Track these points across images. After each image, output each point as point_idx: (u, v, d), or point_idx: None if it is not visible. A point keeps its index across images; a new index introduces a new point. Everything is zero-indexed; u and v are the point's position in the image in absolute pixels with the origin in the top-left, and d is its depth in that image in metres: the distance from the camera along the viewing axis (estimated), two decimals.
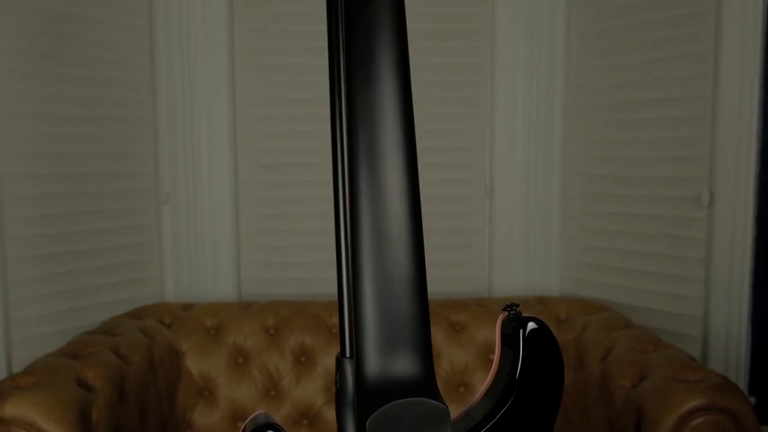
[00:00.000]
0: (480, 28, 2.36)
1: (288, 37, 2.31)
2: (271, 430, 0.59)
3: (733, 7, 1.93)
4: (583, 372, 1.94)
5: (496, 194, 2.40)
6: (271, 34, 2.32)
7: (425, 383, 0.58)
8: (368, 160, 0.58)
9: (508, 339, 0.66)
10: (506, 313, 0.67)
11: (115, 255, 2.20)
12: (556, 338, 0.67)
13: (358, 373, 0.59)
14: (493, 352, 0.80)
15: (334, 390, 0.72)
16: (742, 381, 1.97)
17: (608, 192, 2.27)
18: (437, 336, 2.12)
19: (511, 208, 2.41)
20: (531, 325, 0.66)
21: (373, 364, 0.58)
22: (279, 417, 2.08)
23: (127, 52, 2.21)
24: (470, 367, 2.13)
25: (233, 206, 2.36)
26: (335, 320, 2.13)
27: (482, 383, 0.82)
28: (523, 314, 0.67)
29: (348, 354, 0.66)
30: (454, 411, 0.62)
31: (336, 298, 0.68)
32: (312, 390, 2.11)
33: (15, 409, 1.49)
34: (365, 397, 0.58)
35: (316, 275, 2.33)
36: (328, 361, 2.10)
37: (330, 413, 2.09)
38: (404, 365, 0.58)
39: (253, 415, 0.61)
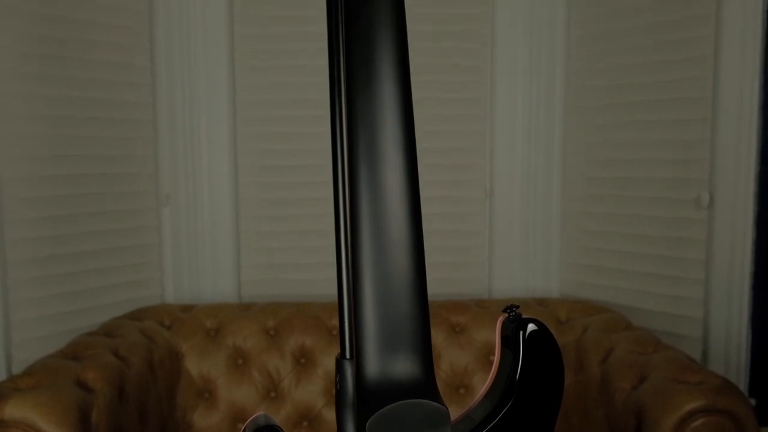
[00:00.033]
0: (480, 29, 2.36)
1: (288, 39, 2.31)
2: (271, 431, 0.59)
3: (733, 9, 1.93)
4: (583, 373, 1.94)
5: (496, 196, 2.40)
6: (271, 35, 2.32)
7: (425, 385, 0.58)
8: (368, 161, 0.58)
9: (508, 340, 0.66)
10: (506, 315, 0.67)
11: (115, 257, 2.20)
12: (556, 340, 0.67)
13: (358, 375, 0.59)
14: (493, 354, 0.80)
15: (334, 391, 0.72)
16: (742, 382, 1.97)
17: (608, 193, 2.27)
18: (437, 337, 2.12)
19: (511, 210, 2.41)
20: (531, 327, 0.66)
21: (373, 366, 0.58)
22: (279, 418, 2.08)
23: (127, 53, 2.21)
24: (470, 369, 2.13)
25: (233, 207, 2.36)
26: (335, 321, 2.12)
27: (482, 385, 0.82)
28: (523, 316, 0.67)
29: (348, 355, 0.66)
30: (454, 412, 0.62)
31: (336, 299, 0.68)
32: (312, 391, 2.11)
33: (15, 410, 1.49)
34: (365, 398, 0.58)
35: (316, 276, 2.33)
36: (328, 363, 2.10)
37: (330, 415, 2.09)
38: (404, 367, 0.58)
39: (253, 417, 0.61)
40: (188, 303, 2.29)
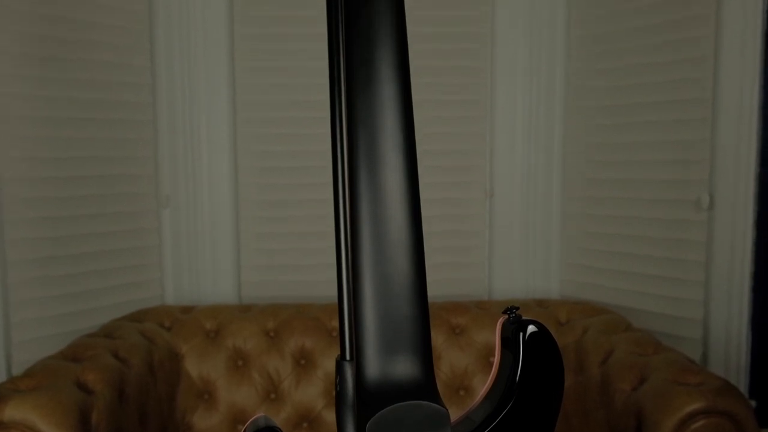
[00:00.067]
0: (480, 31, 2.36)
1: (288, 40, 2.31)
2: None
3: (733, 9, 1.93)
4: (583, 375, 1.94)
5: (496, 197, 2.40)
6: (271, 36, 2.32)
7: (425, 386, 0.58)
8: (368, 163, 0.58)
9: (508, 342, 0.66)
10: (506, 316, 0.67)
11: (115, 258, 2.20)
12: (556, 341, 0.67)
13: (358, 376, 0.59)
14: (493, 355, 0.80)
15: (334, 393, 0.72)
16: (742, 384, 1.97)
17: (608, 195, 2.27)
18: (437, 339, 2.12)
19: (511, 211, 2.41)
20: (531, 328, 0.65)
21: (373, 367, 0.58)
22: (279, 420, 2.08)
23: (127, 54, 2.21)
24: (470, 370, 2.13)
25: (233, 209, 2.37)
26: (335, 323, 2.12)
27: (482, 386, 0.82)
28: (523, 317, 0.66)
29: (348, 357, 0.66)
30: (454, 414, 0.62)
31: (336, 300, 0.68)
32: (312, 393, 2.11)
33: (15, 412, 1.49)
34: (365, 400, 0.58)
35: (316, 278, 2.33)
36: (328, 364, 2.10)
37: (330, 416, 2.09)
38: (404, 368, 0.58)
39: (252, 418, 0.61)
40: (188, 304, 2.29)
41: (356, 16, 0.59)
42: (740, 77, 1.93)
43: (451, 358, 2.13)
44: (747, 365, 1.98)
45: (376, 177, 0.58)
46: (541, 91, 2.38)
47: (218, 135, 2.34)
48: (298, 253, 2.37)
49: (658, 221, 2.13)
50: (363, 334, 0.58)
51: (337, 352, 0.68)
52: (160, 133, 2.31)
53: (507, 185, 2.40)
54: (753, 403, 1.86)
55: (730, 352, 2.00)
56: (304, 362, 2.12)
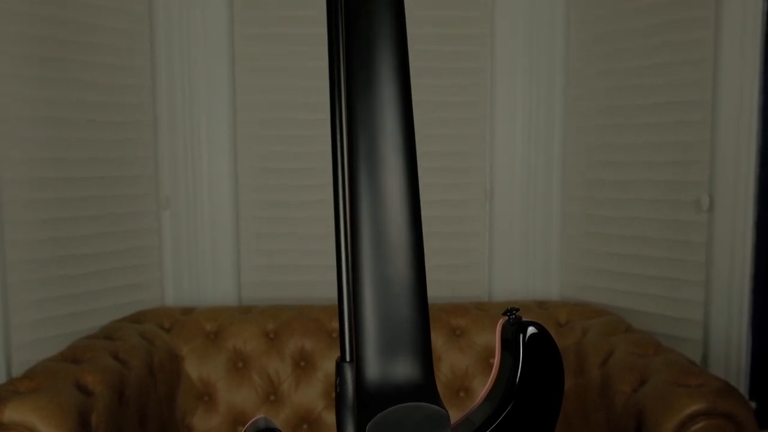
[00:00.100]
0: (480, 32, 2.36)
1: (288, 41, 2.31)
2: None
3: (733, 11, 1.93)
4: (583, 376, 1.94)
5: (496, 198, 2.40)
6: (271, 37, 2.32)
7: (425, 388, 0.58)
8: (368, 164, 0.58)
9: (508, 343, 0.66)
10: (506, 318, 0.67)
11: (115, 259, 2.20)
12: (556, 343, 0.67)
13: (358, 378, 0.59)
14: (493, 357, 0.80)
15: (333, 394, 0.72)
16: (742, 385, 1.97)
17: (608, 196, 2.27)
18: (437, 340, 2.12)
19: (511, 212, 2.41)
20: (531, 330, 0.65)
21: (373, 369, 0.58)
22: (279, 421, 2.07)
23: (127, 56, 2.21)
24: (470, 372, 2.13)
25: (233, 210, 2.37)
26: (335, 324, 2.12)
27: (482, 388, 0.82)
28: (523, 319, 0.66)
29: (348, 358, 0.66)
30: (454, 416, 0.62)
31: (336, 302, 0.68)
32: (312, 394, 2.11)
33: (14, 413, 1.49)
34: (365, 401, 0.58)
35: (316, 279, 2.33)
36: (328, 366, 2.10)
37: (330, 418, 2.09)
38: (404, 369, 0.58)
39: (252, 420, 0.61)
40: (188, 306, 2.29)
41: (356, 17, 0.59)
42: (740, 79, 1.93)
43: (451, 360, 2.13)
44: (747, 366, 1.98)
45: (376, 178, 0.58)
46: (541, 93, 2.38)
47: (218, 136, 2.34)
48: (298, 255, 2.37)
49: (658, 222, 2.13)
50: (363, 336, 0.58)
51: (337, 353, 0.68)
52: (160, 134, 2.31)
53: (507, 187, 2.40)
54: (753, 404, 1.86)
55: (731, 354, 2.00)
56: (304, 364, 2.12)
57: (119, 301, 2.19)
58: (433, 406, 0.57)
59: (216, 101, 2.33)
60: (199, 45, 2.30)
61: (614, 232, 2.26)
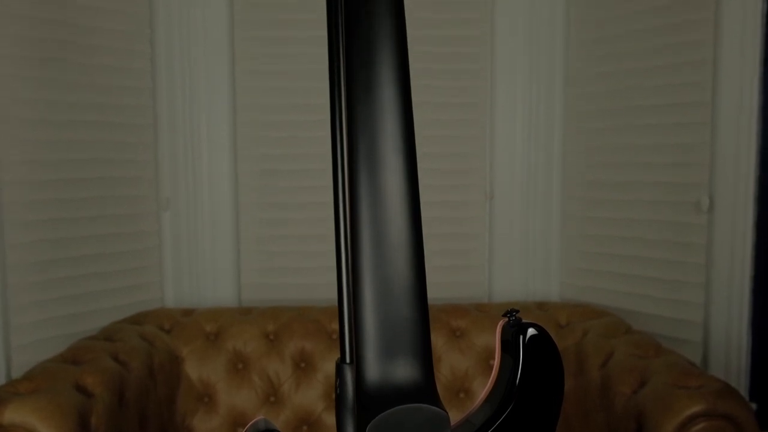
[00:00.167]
0: (479, 34, 2.36)
1: (288, 43, 2.31)
2: None
3: (733, 12, 1.93)
4: (583, 378, 1.93)
5: (496, 200, 2.40)
6: (272, 40, 2.32)
7: (425, 389, 0.58)
8: (368, 165, 0.58)
9: (508, 345, 0.66)
10: (506, 319, 0.67)
11: (115, 261, 2.20)
12: (556, 344, 0.67)
13: (358, 379, 0.59)
14: (493, 358, 0.80)
15: (333, 396, 0.72)
16: (742, 387, 1.97)
17: (608, 197, 2.27)
18: (437, 341, 2.12)
19: (511, 213, 2.41)
20: (531, 331, 0.65)
21: (373, 370, 0.58)
22: (279, 423, 2.07)
23: (127, 58, 2.21)
24: (470, 373, 2.13)
25: (233, 211, 2.37)
26: (335, 326, 2.12)
27: (482, 389, 0.82)
28: (523, 320, 0.66)
29: (348, 360, 0.66)
30: (454, 417, 0.62)
31: (336, 303, 0.68)
32: (312, 396, 2.11)
33: (14, 415, 1.49)
34: (365, 403, 0.58)
35: (316, 281, 2.33)
36: (328, 367, 2.10)
37: (330, 419, 2.09)
38: (404, 371, 0.58)
39: (252, 421, 0.61)
40: (188, 307, 2.29)
41: (356, 19, 0.59)
42: (740, 80, 1.93)
43: (451, 361, 2.12)
44: (747, 368, 1.98)
45: (376, 179, 0.58)
46: (541, 94, 2.38)
47: (218, 138, 2.34)
48: (298, 256, 2.37)
49: (658, 224, 2.13)
50: (363, 337, 0.58)
51: (337, 355, 0.68)
52: (160, 135, 2.31)
53: (507, 188, 2.40)
54: (753, 405, 1.86)
55: (731, 355, 1.99)
56: (304, 365, 2.12)
57: (119, 303, 2.19)
58: (433, 407, 0.57)
59: (216, 102, 2.33)
60: (199, 44, 2.30)
61: (614, 234, 2.26)
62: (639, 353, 1.83)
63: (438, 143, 2.33)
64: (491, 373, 0.67)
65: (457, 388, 2.13)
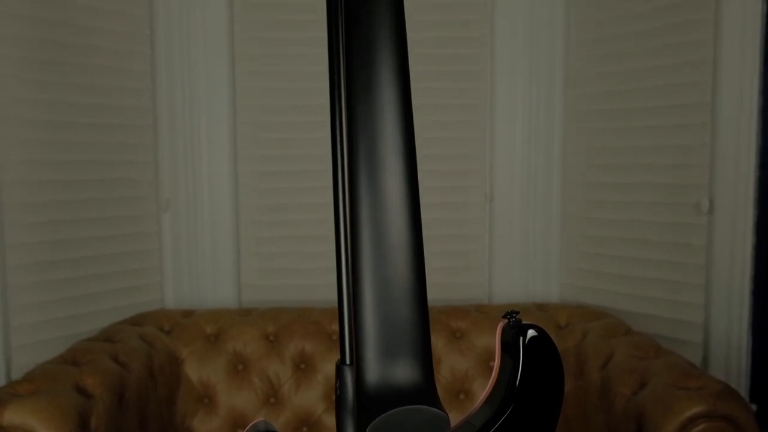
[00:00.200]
0: (479, 35, 2.36)
1: (288, 44, 2.31)
2: None
3: (733, 13, 1.93)
4: (583, 379, 1.93)
5: (496, 201, 2.40)
6: (271, 41, 2.32)
7: (425, 390, 0.58)
8: (368, 166, 0.58)
9: (508, 346, 0.66)
10: (506, 321, 0.67)
11: (115, 262, 2.20)
12: (556, 346, 0.66)
13: (358, 380, 0.58)
14: (493, 359, 0.80)
15: (333, 397, 0.72)
16: (743, 388, 1.97)
17: (608, 199, 2.27)
18: (437, 343, 2.11)
19: (511, 215, 2.41)
20: (531, 333, 0.65)
21: (373, 371, 0.58)
22: (279, 424, 2.07)
23: (127, 59, 2.21)
24: (470, 374, 2.13)
25: (233, 213, 2.37)
26: (335, 327, 2.12)
27: (482, 390, 0.82)
28: (523, 321, 0.66)
29: (348, 361, 0.66)
30: (454, 418, 0.62)
31: (336, 304, 0.68)
32: (312, 397, 2.11)
33: (14, 416, 1.49)
34: (365, 404, 0.58)
35: (316, 282, 2.33)
36: (328, 368, 2.10)
37: (330, 420, 2.09)
38: (404, 372, 0.58)
39: (252, 423, 0.61)
40: (188, 308, 2.28)
41: (356, 20, 0.59)
42: (740, 81, 1.93)
43: (451, 362, 2.12)
44: (747, 369, 1.98)
45: (376, 181, 0.58)
46: (541, 96, 2.38)
47: (218, 139, 2.34)
48: (298, 257, 2.37)
49: (658, 225, 2.13)
50: (363, 338, 0.58)
51: (337, 356, 0.68)
52: (160, 137, 2.31)
53: (507, 189, 2.40)
54: (753, 406, 1.86)
55: (731, 356, 1.99)
56: (304, 366, 2.12)
57: (119, 304, 2.19)
58: (433, 408, 0.57)
59: (216, 103, 2.33)
60: (199, 45, 2.30)
61: (614, 235, 2.26)
62: (639, 354, 1.83)
63: (438, 145, 2.33)
64: (491, 374, 0.67)
65: (457, 390, 2.13)
